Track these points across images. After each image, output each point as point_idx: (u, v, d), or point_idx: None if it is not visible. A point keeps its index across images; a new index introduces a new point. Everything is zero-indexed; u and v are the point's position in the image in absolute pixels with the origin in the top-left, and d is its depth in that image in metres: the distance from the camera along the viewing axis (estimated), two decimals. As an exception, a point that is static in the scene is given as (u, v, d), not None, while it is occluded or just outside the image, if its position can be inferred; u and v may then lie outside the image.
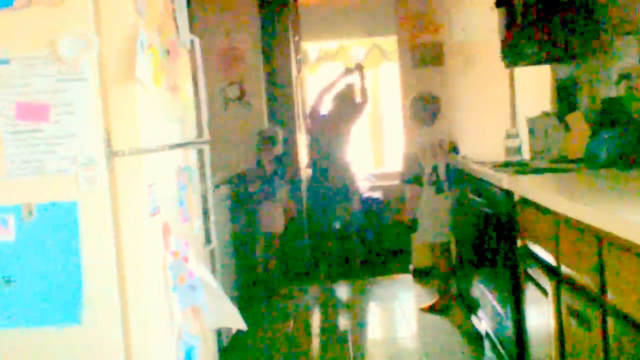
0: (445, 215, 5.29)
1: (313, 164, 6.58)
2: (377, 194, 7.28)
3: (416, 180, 5.54)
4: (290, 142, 6.74)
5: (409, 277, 6.59)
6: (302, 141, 7.11)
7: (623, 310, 1.94)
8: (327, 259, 6.64)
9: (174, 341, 2.60)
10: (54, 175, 2.38)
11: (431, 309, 5.45)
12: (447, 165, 5.29)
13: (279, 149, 6.22)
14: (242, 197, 5.86)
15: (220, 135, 6.13)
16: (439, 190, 5.29)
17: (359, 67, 6.54)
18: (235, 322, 3.02)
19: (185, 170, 3.00)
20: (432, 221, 5.41)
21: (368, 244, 7.13)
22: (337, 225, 6.53)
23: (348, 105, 6.44)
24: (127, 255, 2.40)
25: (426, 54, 6.53)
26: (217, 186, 4.58)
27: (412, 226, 5.74)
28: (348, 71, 6.56)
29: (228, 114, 6.59)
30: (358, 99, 6.46)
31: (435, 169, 5.34)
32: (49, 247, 2.39)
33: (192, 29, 3.18)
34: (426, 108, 5.63)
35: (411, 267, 6.64)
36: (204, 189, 3.30)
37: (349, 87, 6.47)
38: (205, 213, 3.34)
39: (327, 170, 6.42)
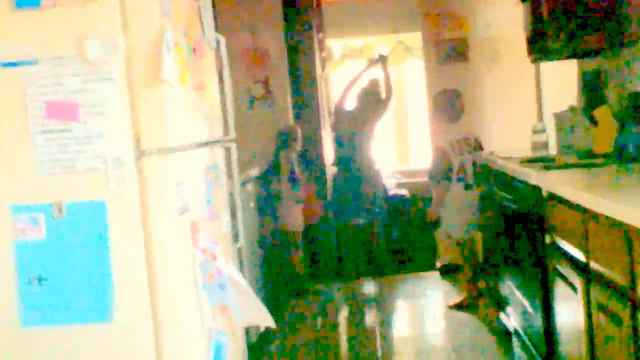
0: (471, 211, 5.27)
1: (337, 161, 6.58)
2: (403, 191, 7.26)
3: (445, 177, 5.52)
4: (314, 140, 6.75)
5: (436, 274, 6.57)
6: (327, 139, 7.10)
7: (654, 305, 1.93)
8: (352, 256, 6.64)
9: (204, 339, 2.61)
10: (84, 174, 2.40)
11: (459, 306, 5.43)
12: (474, 162, 5.27)
13: (297, 147, 6.23)
14: (266, 195, 5.88)
15: (246, 133, 6.15)
16: (467, 187, 5.27)
17: (382, 59, 6.54)
18: (264, 319, 3.04)
19: (213, 169, 3.02)
20: (458, 217, 5.39)
21: (394, 241, 7.11)
22: (360, 222, 6.53)
23: (372, 100, 6.44)
24: (156, 253, 2.42)
25: (451, 50, 6.49)
26: (243, 184, 4.59)
27: (436, 223, 5.73)
28: (371, 63, 6.56)
29: (253, 113, 6.61)
30: (382, 94, 6.45)
31: (462, 165, 5.32)
32: (79, 246, 2.42)
33: (216, 28, 3.20)
34: (450, 104, 5.63)
35: (438, 263, 6.62)
36: (231, 187, 3.32)
37: (373, 82, 6.47)
38: (233, 211, 3.35)
39: (351, 167, 6.42)
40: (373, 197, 6.51)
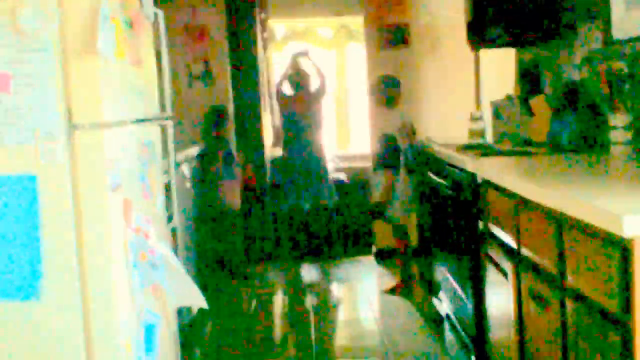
0: (410, 196, 5.34)
1: (285, 144, 6.55)
2: (341, 176, 7.27)
3: (392, 163, 5.57)
4: (254, 121, 6.71)
5: (371, 259, 6.61)
6: (267, 120, 7.07)
7: (582, 292, 1.96)
8: (292, 239, 6.63)
9: (134, 319, 2.57)
10: (13, 147, 2.34)
11: (392, 291, 5.47)
12: (412, 147, 5.32)
13: (229, 126, 6.22)
14: (202, 174, 5.84)
15: (184, 112, 6.08)
16: (410, 172, 5.32)
17: (302, 54, 6.74)
18: (197, 300, 3.00)
19: (147, 146, 2.96)
20: (403, 202, 5.44)
21: (332, 225, 7.12)
22: (307, 206, 6.52)
23: (307, 84, 6.52)
24: (87, 230, 2.38)
25: (392, 35, 6.50)
26: (178, 164, 4.54)
27: (378, 208, 5.76)
28: (294, 58, 6.72)
29: (192, 91, 6.53)
30: (311, 86, 6.55)
31: (405, 151, 5.37)
32: (7, 221, 2.36)
33: (155, 2, 3.13)
34: (387, 90, 5.68)
35: (374, 248, 6.66)
36: (166, 166, 3.27)
37: (294, 69, 6.58)
38: (168, 190, 3.30)
39: (299, 149, 6.42)
40: (322, 181, 6.51)
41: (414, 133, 5.50)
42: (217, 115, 6.20)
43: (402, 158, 5.43)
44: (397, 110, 5.65)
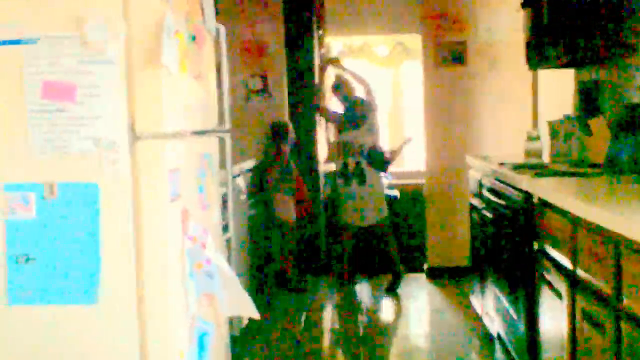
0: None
1: (344, 159, 6.48)
2: (394, 192, 7.26)
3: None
4: (310, 136, 6.75)
5: (422, 276, 6.59)
6: (322, 135, 7.10)
7: (638, 315, 1.94)
8: (346, 254, 6.64)
9: (188, 326, 2.61)
10: (77, 156, 2.39)
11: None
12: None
13: (290, 141, 6.26)
14: (257, 187, 5.90)
15: (241, 126, 6.15)
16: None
17: (333, 61, 6.77)
18: (249, 311, 3.03)
19: (206, 158, 3.01)
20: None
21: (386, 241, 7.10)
22: (359, 222, 6.47)
23: (353, 93, 6.48)
24: (145, 238, 2.42)
25: (450, 53, 6.48)
26: (234, 176, 4.59)
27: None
28: (324, 66, 6.79)
29: (249, 105, 6.60)
30: (353, 91, 6.50)
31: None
32: (69, 227, 2.41)
33: (217, 18, 3.19)
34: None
35: (425, 265, 6.64)
36: (223, 178, 3.31)
37: (340, 81, 6.56)
38: (224, 202, 3.35)
39: (357, 166, 6.36)
40: (375, 198, 6.46)
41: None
42: (279, 130, 6.25)
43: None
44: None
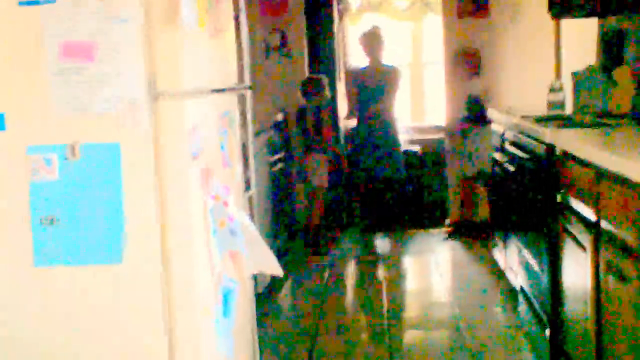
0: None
1: (360, 116, 6.50)
2: (415, 148, 7.24)
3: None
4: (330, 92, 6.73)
5: (443, 231, 6.59)
6: (342, 92, 7.07)
7: (664, 265, 1.93)
8: (367, 210, 6.64)
9: (213, 283, 2.63)
10: (98, 115, 2.39)
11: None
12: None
13: (326, 96, 6.16)
14: (280, 145, 5.85)
15: (260, 83, 6.12)
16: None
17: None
18: (273, 268, 3.05)
19: (226, 116, 3.01)
20: None
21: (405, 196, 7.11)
22: (381, 176, 6.49)
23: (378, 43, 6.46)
24: (168, 197, 2.43)
25: (471, 5, 6.39)
26: (257, 133, 4.58)
27: None
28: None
29: (268, 63, 6.57)
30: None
31: None
32: (92, 188, 2.42)
33: (235, -27, 3.16)
34: (468, 62, 5.62)
35: (447, 221, 6.63)
36: (244, 135, 3.31)
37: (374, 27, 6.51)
38: (246, 159, 3.35)
39: (375, 123, 6.38)
40: (397, 153, 6.49)
41: None
42: (317, 83, 6.17)
43: None
44: (474, 81, 5.61)
